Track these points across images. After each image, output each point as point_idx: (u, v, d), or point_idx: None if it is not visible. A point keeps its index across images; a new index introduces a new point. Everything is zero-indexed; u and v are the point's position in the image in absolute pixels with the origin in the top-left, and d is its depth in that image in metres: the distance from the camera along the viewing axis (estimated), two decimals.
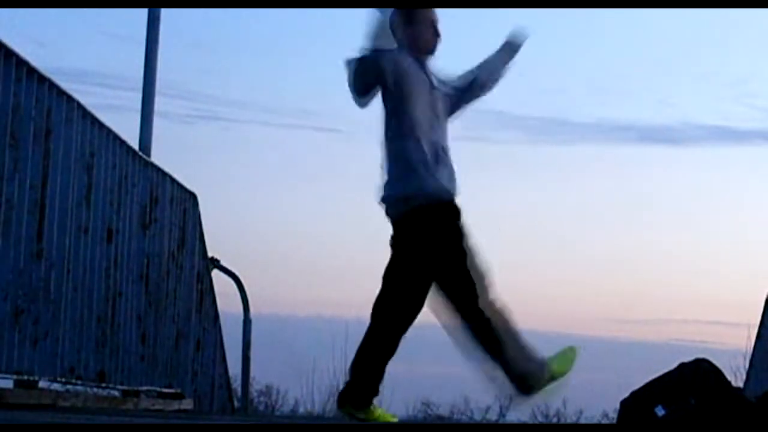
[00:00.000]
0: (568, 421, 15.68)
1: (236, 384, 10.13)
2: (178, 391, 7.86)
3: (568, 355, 5.14)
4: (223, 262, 9.25)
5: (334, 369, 15.15)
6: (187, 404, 7.88)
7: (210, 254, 8.90)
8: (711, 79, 22.14)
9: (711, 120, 23.70)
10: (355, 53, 4.92)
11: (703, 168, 21.51)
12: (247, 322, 9.91)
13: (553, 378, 5.08)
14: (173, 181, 7.88)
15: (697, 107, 24.22)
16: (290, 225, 20.61)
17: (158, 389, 7.52)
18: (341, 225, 20.62)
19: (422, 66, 5.01)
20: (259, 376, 15.65)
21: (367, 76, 4.91)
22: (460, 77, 5.19)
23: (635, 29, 20.39)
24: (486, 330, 4.90)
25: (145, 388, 7.22)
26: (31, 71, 5.39)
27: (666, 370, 4.46)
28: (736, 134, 21.91)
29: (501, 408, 15.75)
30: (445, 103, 5.07)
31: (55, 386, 5.91)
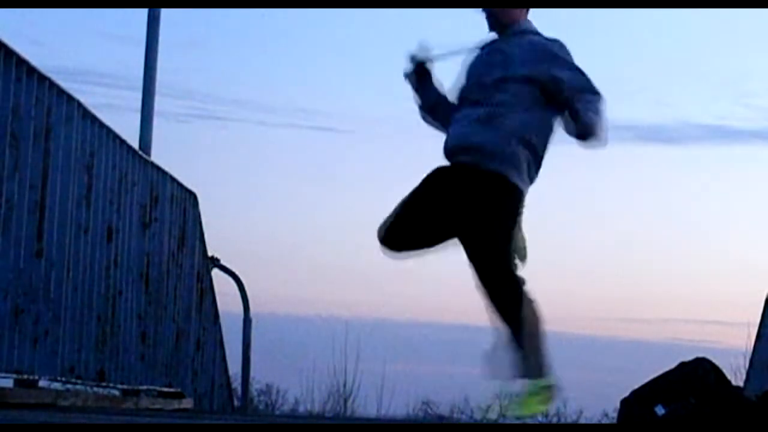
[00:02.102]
0: (568, 420, 15.67)
1: (236, 383, 10.12)
2: (178, 390, 7.86)
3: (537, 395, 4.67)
4: (223, 262, 9.26)
5: (334, 369, 15.18)
6: (187, 403, 7.87)
7: (210, 253, 8.90)
8: (708, 79, 22.14)
9: (708, 120, 23.71)
10: None
11: (700, 167, 21.53)
12: (247, 321, 9.91)
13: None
14: (173, 180, 7.88)
15: (695, 107, 24.24)
16: (290, 224, 20.62)
17: (158, 388, 7.51)
18: (341, 224, 20.62)
19: None
20: (259, 376, 15.66)
21: None
22: None
23: (633, 29, 20.39)
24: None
25: (145, 387, 7.22)
26: (31, 71, 5.38)
27: (666, 370, 4.47)
28: (734, 134, 21.90)
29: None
30: None
31: (55, 385, 5.90)
